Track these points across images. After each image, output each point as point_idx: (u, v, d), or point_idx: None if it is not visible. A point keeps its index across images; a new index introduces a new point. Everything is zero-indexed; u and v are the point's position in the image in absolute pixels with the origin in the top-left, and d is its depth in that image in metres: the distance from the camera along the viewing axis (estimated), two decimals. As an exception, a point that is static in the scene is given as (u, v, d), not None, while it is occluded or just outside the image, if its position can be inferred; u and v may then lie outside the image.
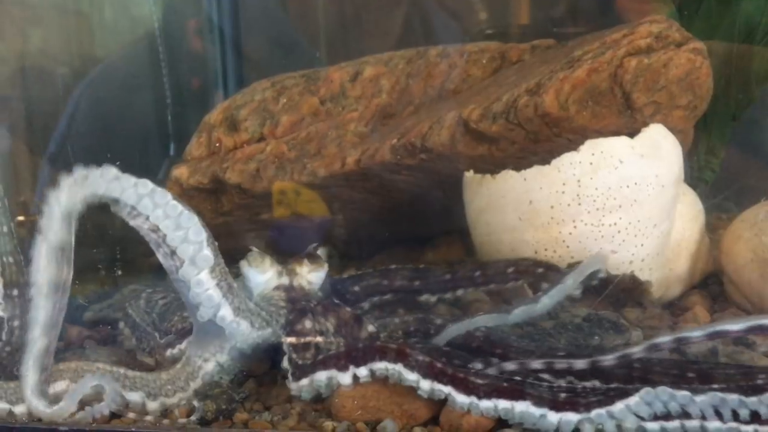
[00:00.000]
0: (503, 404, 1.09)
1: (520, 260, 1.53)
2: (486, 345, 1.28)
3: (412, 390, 1.15)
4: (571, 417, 1.06)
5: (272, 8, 2.48)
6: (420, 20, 2.34)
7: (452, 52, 1.84)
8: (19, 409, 1.20)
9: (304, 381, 1.19)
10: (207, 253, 1.13)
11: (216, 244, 1.16)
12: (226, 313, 1.17)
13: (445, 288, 1.57)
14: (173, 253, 1.13)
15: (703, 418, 1.02)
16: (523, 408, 1.08)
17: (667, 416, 1.04)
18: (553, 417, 1.06)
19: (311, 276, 1.38)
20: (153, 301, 1.55)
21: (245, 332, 1.20)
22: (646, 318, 1.55)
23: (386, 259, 1.98)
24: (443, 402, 1.14)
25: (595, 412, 1.05)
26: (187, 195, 1.81)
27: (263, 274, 1.35)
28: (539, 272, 1.48)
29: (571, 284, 1.32)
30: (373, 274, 1.64)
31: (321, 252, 1.62)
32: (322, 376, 1.18)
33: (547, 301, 1.30)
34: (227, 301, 1.17)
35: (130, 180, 1.11)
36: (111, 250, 1.88)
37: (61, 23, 2.29)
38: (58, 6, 2.33)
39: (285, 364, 1.22)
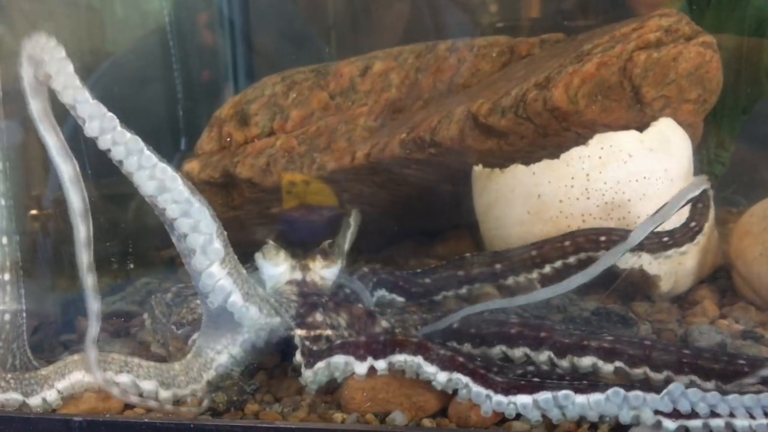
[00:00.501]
0: (522, 399, 1.08)
1: (613, 229, 1.49)
2: (527, 330, 1.24)
3: (422, 382, 1.16)
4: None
5: (282, 1, 2.49)
6: (429, 13, 2.34)
7: (461, 47, 1.84)
8: (34, 401, 1.21)
9: (320, 364, 1.18)
10: (217, 246, 1.13)
11: (225, 233, 1.16)
12: (236, 299, 1.17)
13: (531, 265, 1.51)
14: (185, 236, 1.13)
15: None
16: (546, 396, 1.07)
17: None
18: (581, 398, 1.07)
19: (324, 272, 1.38)
20: (182, 296, 1.55)
21: (254, 317, 1.20)
22: (654, 312, 1.56)
23: (395, 253, 2.00)
24: (452, 394, 1.15)
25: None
26: (198, 189, 1.82)
27: (276, 267, 1.36)
28: None
29: (671, 207, 1.30)
30: (446, 266, 1.61)
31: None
32: (340, 359, 1.17)
33: (647, 226, 1.29)
34: (237, 287, 1.17)
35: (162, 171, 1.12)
36: (124, 243, 1.90)
37: (72, 18, 2.31)
38: (69, 0, 2.34)
39: (298, 357, 1.22)
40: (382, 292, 1.56)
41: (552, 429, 1.10)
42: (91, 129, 1.09)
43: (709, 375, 1.12)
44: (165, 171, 1.10)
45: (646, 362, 1.15)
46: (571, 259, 1.48)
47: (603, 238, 1.47)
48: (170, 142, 2.22)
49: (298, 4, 2.57)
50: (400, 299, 1.56)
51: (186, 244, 1.12)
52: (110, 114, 1.09)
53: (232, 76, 2.37)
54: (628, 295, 1.62)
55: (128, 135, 1.09)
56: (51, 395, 1.22)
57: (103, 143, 1.09)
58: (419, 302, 1.57)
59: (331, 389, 1.24)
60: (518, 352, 1.23)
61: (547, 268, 1.50)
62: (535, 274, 1.51)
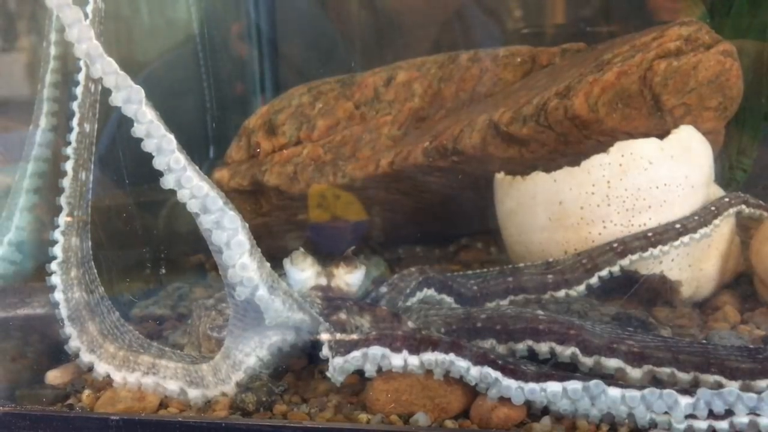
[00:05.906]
0: (552, 386, 1.11)
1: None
2: (556, 326, 1.25)
3: (444, 384, 1.19)
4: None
5: (312, 12, 2.52)
6: (456, 20, 2.36)
7: (483, 57, 1.87)
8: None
9: (356, 353, 1.20)
10: (242, 238, 1.15)
11: (247, 225, 1.19)
12: (263, 292, 1.19)
13: (580, 278, 1.52)
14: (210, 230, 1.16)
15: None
16: (576, 386, 1.10)
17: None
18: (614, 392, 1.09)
19: (348, 278, 1.41)
20: (224, 300, 1.57)
21: (279, 309, 1.22)
22: (675, 317, 1.56)
23: (419, 260, 2.02)
24: (474, 396, 1.18)
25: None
26: (227, 197, 1.87)
27: (303, 273, 1.40)
28: None
29: None
30: (497, 272, 1.60)
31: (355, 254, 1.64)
32: (377, 351, 1.19)
33: None
34: (263, 280, 1.19)
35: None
36: (156, 249, 1.95)
37: (103, 27, 2.36)
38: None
39: (325, 350, 1.24)
40: (430, 292, 1.54)
41: (572, 431, 1.12)
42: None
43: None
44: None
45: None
46: (624, 262, 1.51)
47: (650, 234, 1.50)
48: (200, 151, 2.27)
49: (326, 15, 2.61)
50: (449, 299, 1.55)
51: (216, 236, 1.15)
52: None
53: (260, 87, 2.41)
54: (650, 300, 1.63)
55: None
56: None
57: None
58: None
59: (357, 391, 1.27)
60: (545, 347, 1.25)
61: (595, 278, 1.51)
62: (581, 287, 1.51)
